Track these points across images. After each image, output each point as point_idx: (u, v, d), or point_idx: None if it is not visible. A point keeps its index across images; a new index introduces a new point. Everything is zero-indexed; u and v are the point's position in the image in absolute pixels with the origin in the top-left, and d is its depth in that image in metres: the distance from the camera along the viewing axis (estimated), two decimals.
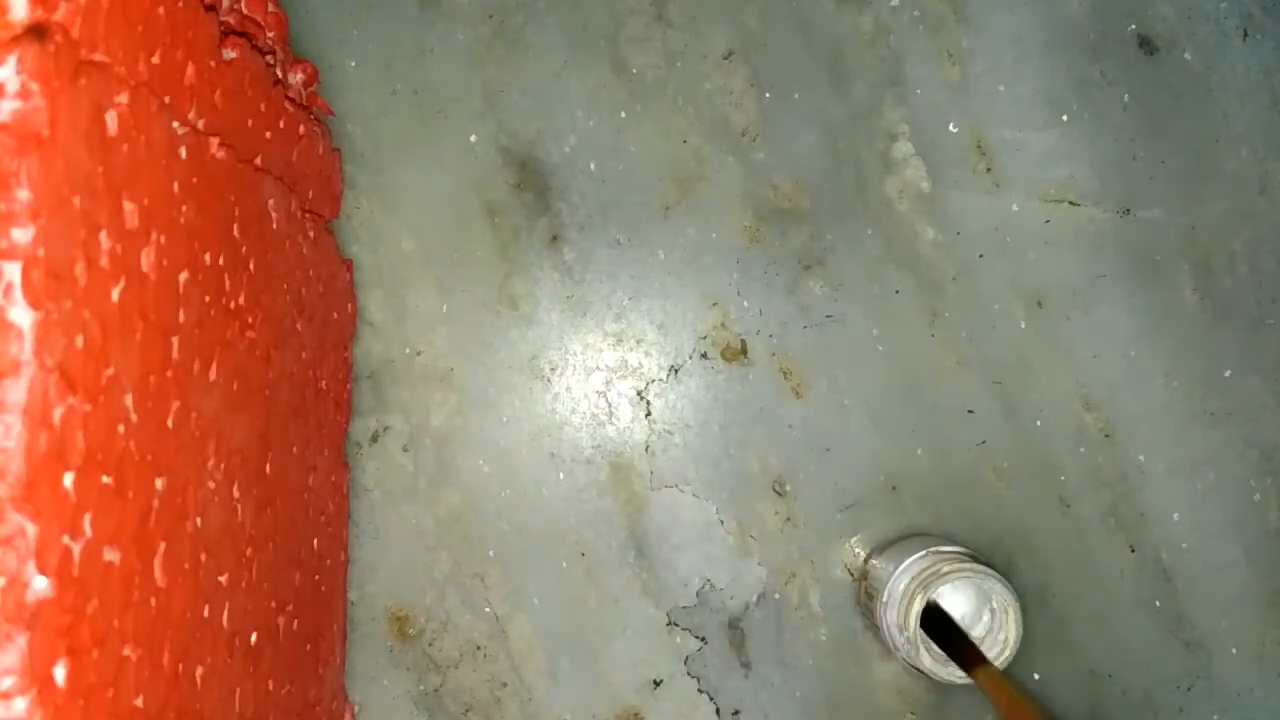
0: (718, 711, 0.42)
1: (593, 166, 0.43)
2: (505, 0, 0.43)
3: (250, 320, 0.30)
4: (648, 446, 0.42)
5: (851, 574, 0.43)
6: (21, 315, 0.19)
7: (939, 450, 0.43)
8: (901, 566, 0.40)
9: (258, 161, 0.31)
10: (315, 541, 0.36)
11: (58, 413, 0.20)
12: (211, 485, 0.27)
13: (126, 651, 0.22)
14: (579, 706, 0.42)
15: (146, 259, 0.24)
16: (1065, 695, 0.42)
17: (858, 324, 0.43)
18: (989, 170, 0.43)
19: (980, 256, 0.43)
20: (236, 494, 0.29)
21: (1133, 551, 0.43)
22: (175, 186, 0.25)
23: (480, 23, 0.43)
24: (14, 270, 0.19)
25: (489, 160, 0.43)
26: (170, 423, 0.25)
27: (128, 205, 0.23)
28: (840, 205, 0.43)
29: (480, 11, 0.43)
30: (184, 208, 0.26)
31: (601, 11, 0.43)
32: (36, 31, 0.19)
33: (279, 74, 0.35)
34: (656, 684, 0.42)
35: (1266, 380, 0.43)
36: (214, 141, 0.28)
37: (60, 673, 0.20)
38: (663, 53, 0.43)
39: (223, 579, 0.28)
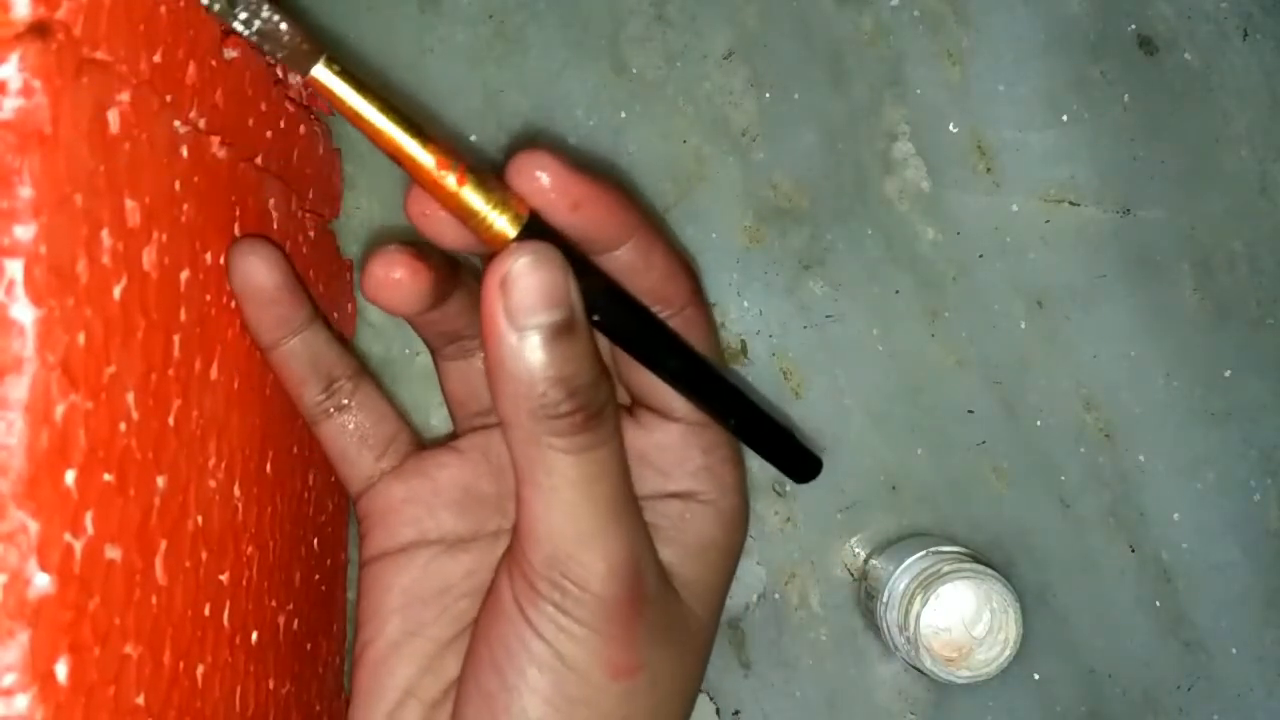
0: (718, 712, 0.42)
1: (593, 166, 0.43)
2: (505, 0, 0.43)
3: None
4: None
5: (851, 574, 0.43)
6: (24, 312, 0.19)
7: (939, 450, 0.43)
8: (901, 566, 0.40)
9: (258, 161, 0.31)
10: (315, 541, 0.36)
11: (59, 410, 0.20)
12: (212, 484, 0.27)
13: (128, 649, 0.22)
14: None
15: (148, 257, 0.24)
16: (1065, 695, 0.42)
17: (858, 324, 0.43)
18: (989, 170, 0.43)
19: (980, 256, 0.43)
20: (237, 493, 0.29)
21: (1133, 551, 0.43)
22: (176, 185, 0.25)
23: (480, 23, 0.43)
24: (16, 267, 0.19)
25: (489, 161, 0.43)
26: (171, 421, 0.25)
27: (129, 203, 0.23)
28: (840, 205, 0.43)
29: (480, 11, 0.43)
30: (185, 206, 0.26)
31: (601, 11, 0.43)
32: (39, 29, 0.19)
33: (279, 74, 0.36)
34: None
35: (1266, 380, 0.43)
36: (215, 140, 0.28)
37: (62, 670, 0.20)
38: (663, 53, 0.43)
39: (223, 577, 0.28)
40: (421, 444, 0.35)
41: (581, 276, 0.27)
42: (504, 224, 0.26)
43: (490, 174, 0.26)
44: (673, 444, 0.31)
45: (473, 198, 0.26)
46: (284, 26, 0.25)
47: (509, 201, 0.26)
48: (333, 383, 0.33)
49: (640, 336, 0.29)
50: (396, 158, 0.26)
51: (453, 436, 0.35)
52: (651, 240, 0.29)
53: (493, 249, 0.26)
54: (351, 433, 0.33)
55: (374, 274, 0.28)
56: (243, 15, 0.25)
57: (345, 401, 0.33)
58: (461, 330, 0.33)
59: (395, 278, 0.28)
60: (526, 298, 0.25)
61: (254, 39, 0.25)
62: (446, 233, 0.28)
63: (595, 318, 0.27)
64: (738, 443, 0.33)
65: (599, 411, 0.27)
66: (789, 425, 0.33)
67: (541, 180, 0.26)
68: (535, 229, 0.26)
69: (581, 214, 0.27)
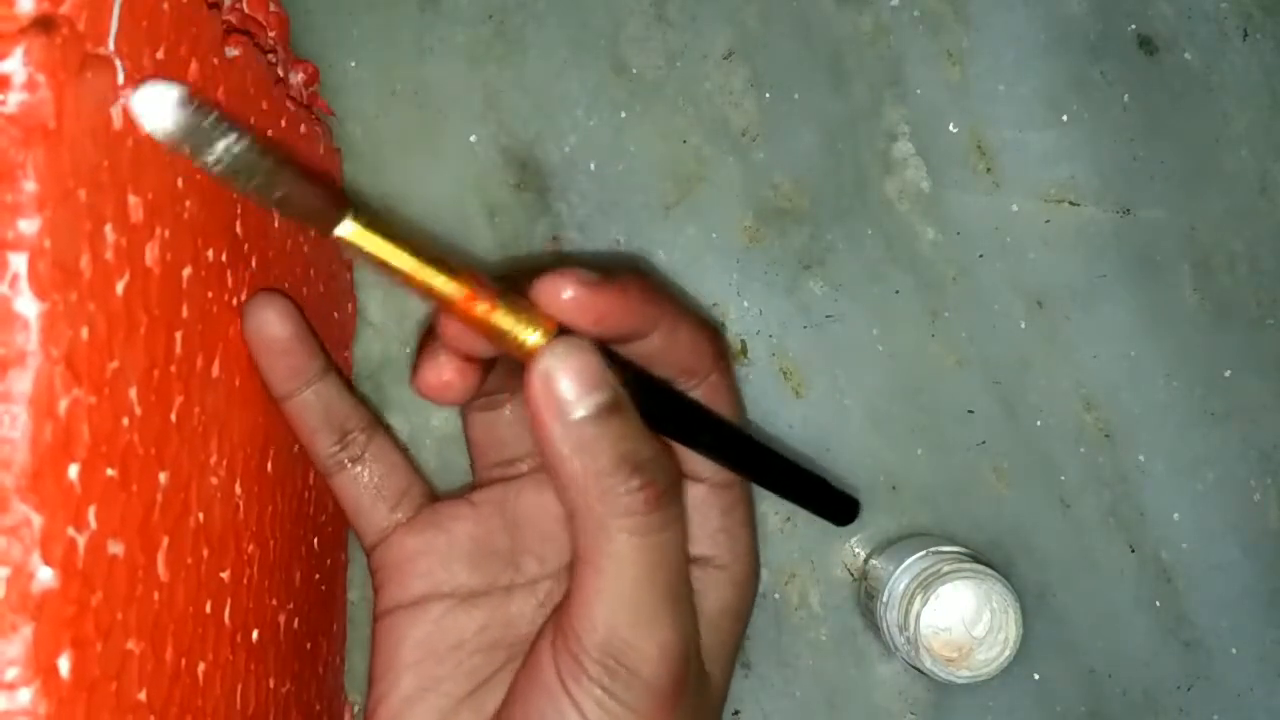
0: None
1: (593, 166, 0.43)
2: (505, 0, 0.43)
3: None
4: None
5: (851, 574, 0.43)
6: (28, 306, 0.19)
7: (939, 450, 0.43)
8: (901, 566, 0.40)
9: None
10: (315, 540, 0.36)
11: (63, 404, 0.20)
12: (214, 481, 0.27)
13: (130, 645, 0.22)
14: None
15: (150, 253, 0.24)
16: (1065, 695, 0.42)
17: (858, 324, 0.43)
18: (989, 170, 0.43)
19: (980, 256, 0.43)
20: (238, 490, 0.29)
21: (1133, 551, 0.43)
22: (179, 182, 0.25)
23: (480, 23, 0.43)
24: (20, 261, 0.19)
25: (489, 160, 0.43)
26: (174, 417, 0.25)
27: (132, 199, 0.23)
28: (840, 205, 0.43)
29: (480, 11, 0.43)
30: (187, 203, 0.26)
31: (601, 11, 0.43)
32: (43, 24, 0.19)
33: (280, 73, 0.36)
34: None
35: (1266, 380, 0.43)
36: None
37: (65, 665, 0.19)
38: (663, 53, 0.43)
39: (224, 575, 0.28)
40: (435, 495, 0.35)
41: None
42: (536, 339, 0.27)
43: (515, 295, 0.27)
44: (696, 505, 0.32)
45: (503, 320, 0.26)
46: (298, 189, 0.25)
47: (537, 319, 0.27)
48: (346, 434, 0.33)
49: (673, 419, 0.30)
50: (426, 294, 0.26)
51: (469, 488, 0.35)
52: (676, 323, 0.29)
53: (528, 362, 0.27)
54: (365, 484, 0.34)
55: (425, 379, 0.29)
56: (257, 182, 0.24)
57: (359, 453, 0.33)
58: (494, 389, 0.33)
59: (445, 380, 0.29)
60: (568, 388, 0.26)
61: (272, 206, 0.25)
62: (480, 347, 0.28)
63: None
64: (753, 505, 0.33)
65: (668, 489, 0.27)
66: (821, 474, 0.34)
67: (566, 299, 0.27)
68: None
69: (608, 323, 0.28)
